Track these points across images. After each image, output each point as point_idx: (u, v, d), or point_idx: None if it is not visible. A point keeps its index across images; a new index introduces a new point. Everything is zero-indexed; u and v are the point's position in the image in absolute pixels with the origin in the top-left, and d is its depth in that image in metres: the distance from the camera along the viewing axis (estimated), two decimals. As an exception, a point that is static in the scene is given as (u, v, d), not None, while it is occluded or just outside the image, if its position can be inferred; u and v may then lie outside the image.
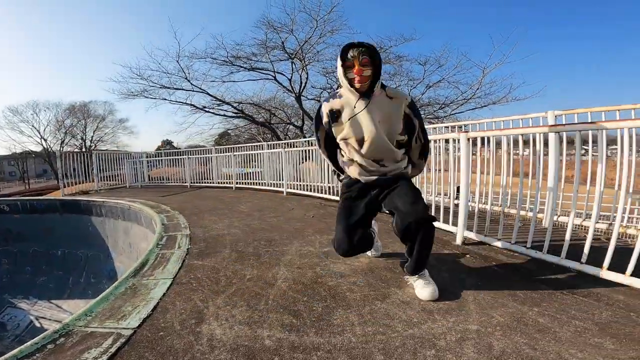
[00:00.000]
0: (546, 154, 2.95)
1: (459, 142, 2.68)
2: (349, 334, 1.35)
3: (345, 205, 1.85)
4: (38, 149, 31.40)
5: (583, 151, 2.71)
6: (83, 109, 31.49)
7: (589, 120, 2.72)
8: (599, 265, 1.76)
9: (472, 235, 2.64)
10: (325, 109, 1.77)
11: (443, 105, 12.17)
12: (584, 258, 1.85)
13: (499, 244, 2.43)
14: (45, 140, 30.51)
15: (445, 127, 5.24)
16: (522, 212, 3.27)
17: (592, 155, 2.92)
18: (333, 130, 1.78)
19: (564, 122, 3.02)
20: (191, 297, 1.72)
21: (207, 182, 8.52)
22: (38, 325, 5.99)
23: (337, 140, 1.82)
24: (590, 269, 1.80)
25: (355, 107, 1.69)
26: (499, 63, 10.97)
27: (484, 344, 1.22)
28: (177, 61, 11.83)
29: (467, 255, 2.33)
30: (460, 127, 5.07)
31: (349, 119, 1.71)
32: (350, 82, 1.65)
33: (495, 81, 11.36)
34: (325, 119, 1.79)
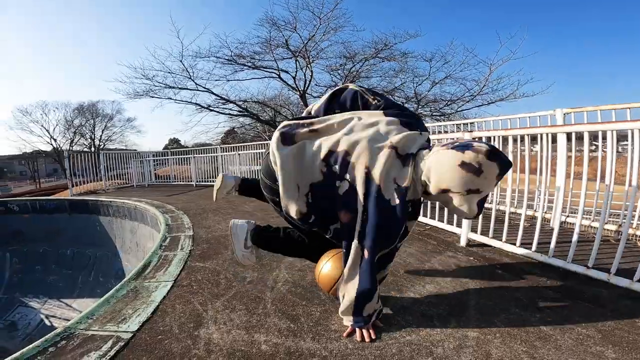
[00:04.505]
0: (555, 150, 2.89)
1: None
2: (345, 340, 1.33)
3: None
4: (48, 148, 32.08)
5: (593, 147, 2.66)
6: (91, 109, 32.14)
7: (599, 119, 2.67)
8: (607, 269, 1.72)
9: (476, 237, 2.59)
10: None
11: (449, 102, 12.03)
12: (590, 262, 1.80)
13: (503, 246, 2.38)
14: (55, 140, 31.20)
15: (451, 124, 5.19)
16: (530, 212, 3.24)
17: (602, 151, 2.85)
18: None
19: (572, 121, 2.96)
20: (191, 300, 1.73)
21: (213, 181, 8.57)
22: (48, 324, 6.11)
23: None
24: (597, 274, 1.76)
25: None
26: (505, 59, 10.79)
27: (482, 352, 1.20)
28: (181, 61, 11.90)
29: (471, 258, 2.30)
30: (466, 124, 5.03)
31: None
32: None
33: (502, 78, 11.17)
34: None
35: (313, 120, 1.43)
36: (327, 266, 1.57)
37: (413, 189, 1.24)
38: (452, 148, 1.16)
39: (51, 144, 31.32)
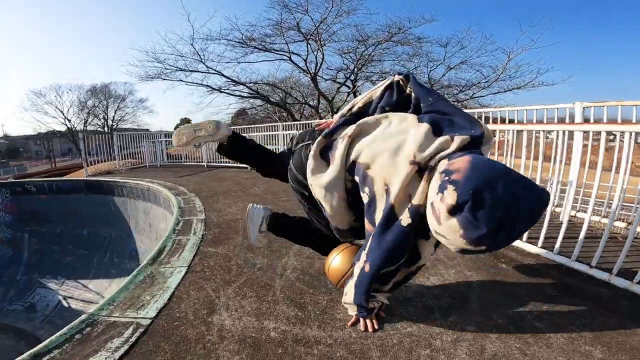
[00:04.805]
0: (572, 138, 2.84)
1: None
2: (349, 330, 1.41)
3: None
4: (62, 128, 32.85)
5: (611, 137, 2.61)
6: (104, 90, 32.57)
7: (619, 115, 2.61)
8: (610, 269, 1.74)
9: None
10: None
11: (464, 88, 11.74)
12: (594, 261, 1.83)
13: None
14: (69, 120, 31.83)
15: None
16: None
17: (620, 141, 2.79)
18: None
19: (592, 118, 2.89)
20: (204, 286, 1.83)
21: (224, 162, 8.65)
22: (66, 305, 6.38)
23: None
24: (599, 274, 1.79)
25: None
26: (526, 48, 10.39)
27: (477, 346, 1.27)
28: (192, 44, 11.87)
29: None
30: (480, 114, 4.90)
31: None
32: None
33: (521, 65, 10.80)
34: None
35: (347, 130, 1.38)
36: (337, 259, 1.64)
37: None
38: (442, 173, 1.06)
39: (65, 125, 32.09)
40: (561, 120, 3.21)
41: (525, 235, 2.29)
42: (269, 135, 8.15)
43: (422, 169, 1.14)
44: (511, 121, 4.05)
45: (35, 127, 33.44)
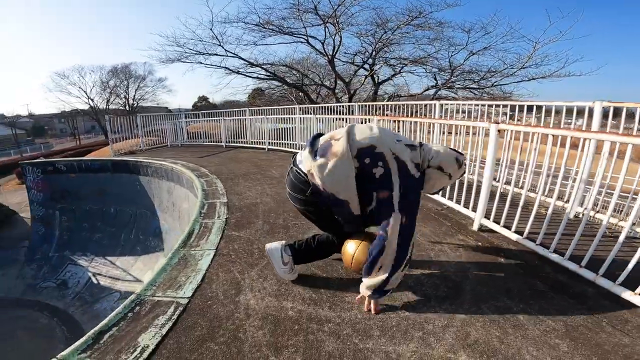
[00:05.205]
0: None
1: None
2: (356, 311, 1.66)
3: None
4: (85, 107, 34.02)
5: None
6: (125, 70, 33.57)
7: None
8: (598, 269, 1.88)
9: (488, 223, 2.71)
10: None
11: (487, 75, 11.42)
12: (584, 262, 1.95)
13: (511, 235, 2.50)
14: (92, 100, 33.02)
15: (482, 104, 4.91)
16: (550, 200, 3.23)
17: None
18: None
19: (609, 121, 2.90)
20: (231, 269, 2.10)
21: (242, 142, 8.87)
22: (95, 282, 6.81)
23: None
24: (586, 273, 1.93)
25: None
26: (553, 39, 9.92)
27: (463, 332, 1.48)
28: (211, 29, 11.97)
29: (479, 243, 2.48)
30: (497, 108, 4.79)
31: None
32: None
33: (548, 54, 10.34)
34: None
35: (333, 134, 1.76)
36: (359, 250, 1.81)
37: (422, 165, 1.70)
38: (450, 149, 1.75)
39: (89, 104, 33.34)
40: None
41: (526, 232, 2.40)
42: (284, 118, 8.29)
43: (410, 145, 1.69)
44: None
45: (59, 106, 34.98)
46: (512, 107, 4.52)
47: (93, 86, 33.12)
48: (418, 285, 1.91)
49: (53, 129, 46.68)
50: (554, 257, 2.16)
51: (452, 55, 11.63)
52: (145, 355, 1.37)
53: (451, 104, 5.70)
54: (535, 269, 2.11)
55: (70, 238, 7.67)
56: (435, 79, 12.45)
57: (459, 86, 11.93)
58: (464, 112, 4.40)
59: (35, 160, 8.82)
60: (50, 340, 5.54)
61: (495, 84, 11.46)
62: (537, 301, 1.73)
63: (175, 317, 1.61)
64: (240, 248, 2.42)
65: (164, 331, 1.51)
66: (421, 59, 12.02)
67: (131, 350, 1.40)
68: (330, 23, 11.61)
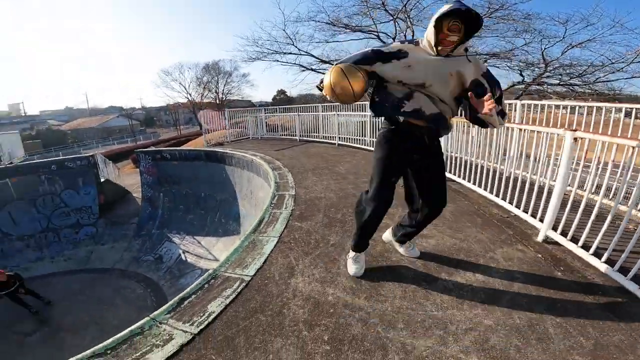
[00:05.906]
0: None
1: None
2: (387, 304, 1.87)
3: (388, 161, 1.86)
4: (185, 100, 39.35)
5: None
6: (215, 67, 38.22)
7: None
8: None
9: (554, 235, 2.52)
10: (395, 45, 1.77)
11: (590, 69, 9.79)
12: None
13: (577, 250, 2.30)
14: (190, 94, 38.42)
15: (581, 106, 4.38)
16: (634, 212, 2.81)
17: None
18: (389, 66, 1.73)
19: None
20: (288, 255, 2.49)
21: (314, 136, 9.40)
22: (184, 258, 8.02)
23: (391, 81, 1.76)
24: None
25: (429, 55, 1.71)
26: None
27: (483, 337, 1.58)
28: (284, 29, 12.83)
29: (539, 255, 2.35)
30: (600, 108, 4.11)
31: (416, 63, 1.70)
32: (436, 43, 1.66)
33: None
34: (387, 51, 1.74)
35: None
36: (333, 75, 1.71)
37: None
38: None
39: (187, 98, 38.88)
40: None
41: (593, 248, 2.18)
42: (354, 114, 8.47)
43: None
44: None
45: (165, 100, 41.20)
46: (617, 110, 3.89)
47: (190, 82, 38.58)
48: (456, 289, 2.00)
49: (160, 120, 55.22)
50: (631, 285, 1.88)
51: (545, 48, 10.24)
52: (210, 319, 1.81)
53: (535, 104, 5.06)
54: (589, 292, 1.91)
55: (169, 217, 9.20)
56: (522, 74, 11.18)
57: (556, 81, 10.48)
58: (549, 110, 3.88)
59: (147, 149, 10.71)
60: (141, 310, 6.49)
61: (598, 79, 9.75)
62: (578, 318, 1.69)
63: (238, 290, 2.05)
64: (299, 237, 2.79)
65: (227, 301, 1.95)
66: (505, 53, 10.86)
67: (201, 314, 1.85)
68: (400, 19, 11.28)
